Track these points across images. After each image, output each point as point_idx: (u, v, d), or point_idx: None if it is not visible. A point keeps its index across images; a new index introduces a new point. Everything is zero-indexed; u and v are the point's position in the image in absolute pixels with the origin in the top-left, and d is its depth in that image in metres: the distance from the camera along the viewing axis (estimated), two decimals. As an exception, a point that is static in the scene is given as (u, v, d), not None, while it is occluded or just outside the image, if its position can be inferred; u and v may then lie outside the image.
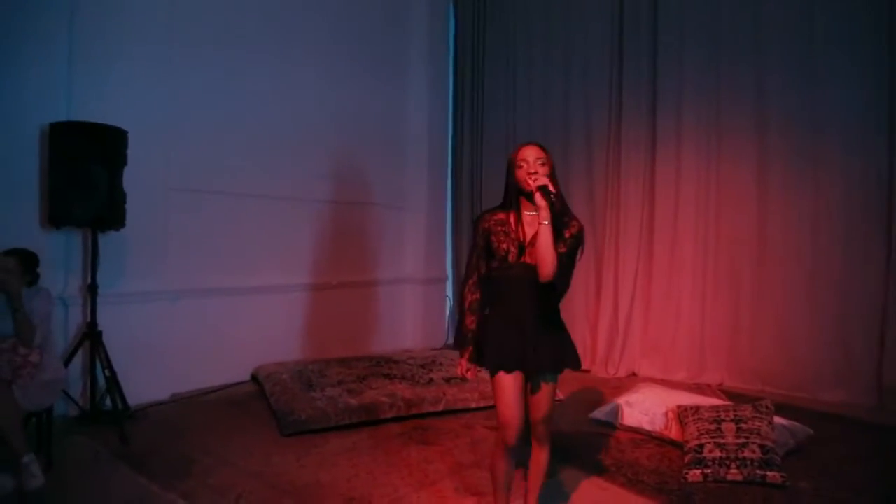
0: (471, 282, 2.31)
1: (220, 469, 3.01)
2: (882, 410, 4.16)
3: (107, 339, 3.65)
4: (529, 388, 2.31)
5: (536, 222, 2.16)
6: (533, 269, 2.17)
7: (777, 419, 3.28)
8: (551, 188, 2.11)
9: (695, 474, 2.93)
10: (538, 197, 2.10)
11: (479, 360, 2.29)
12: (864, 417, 4.01)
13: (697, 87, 4.99)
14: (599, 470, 3.09)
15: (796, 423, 3.38)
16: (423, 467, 3.13)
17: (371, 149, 5.54)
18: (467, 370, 2.33)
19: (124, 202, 3.73)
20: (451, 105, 6.18)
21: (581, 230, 2.24)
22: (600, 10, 5.42)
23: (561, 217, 2.21)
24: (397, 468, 3.11)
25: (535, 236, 2.18)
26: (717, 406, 3.34)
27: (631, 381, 4.95)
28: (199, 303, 4.37)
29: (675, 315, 5.11)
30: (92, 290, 3.67)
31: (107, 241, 3.82)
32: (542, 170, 2.18)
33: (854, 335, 4.38)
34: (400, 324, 5.73)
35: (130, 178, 3.73)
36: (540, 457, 2.40)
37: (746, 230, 4.84)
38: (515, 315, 2.24)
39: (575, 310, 5.49)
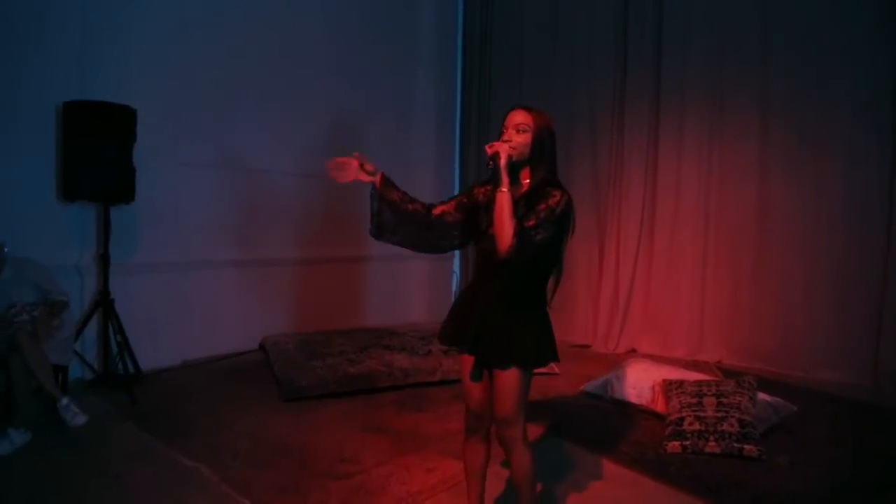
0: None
1: (220, 430, 3.20)
2: (878, 392, 4.17)
3: (120, 308, 3.85)
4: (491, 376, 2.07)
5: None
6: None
7: (761, 395, 3.33)
8: (502, 156, 1.91)
9: (674, 446, 3.01)
10: (492, 165, 1.93)
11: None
12: (860, 398, 4.02)
13: (701, 71, 4.97)
14: (583, 440, 3.19)
15: (780, 399, 3.43)
16: (413, 432, 3.27)
17: (378, 125, 5.62)
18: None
19: (134, 177, 3.90)
20: (460, 83, 6.25)
21: (562, 201, 1.93)
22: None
23: (542, 188, 1.98)
24: (388, 433, 3.26)
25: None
26: (701, 381, 3.40)
27: (631, 357, 4.96)
28: (209, 273, 4.55)
29: (675, 293, 5.14)
30: (104, 260, 3.86)
31: (118, 214, 3.99)
32: (519, 137, 1.99)
33: (852, 317, 4.38)
34: (406, 298, 5.88)
35: (140, 154, 3.89)
36: (512, 462, 2.07)
37: (747, 213, 4.84)
38: (475, 292, 2.07)
39: (577, 286, 5.57)
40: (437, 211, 2.13)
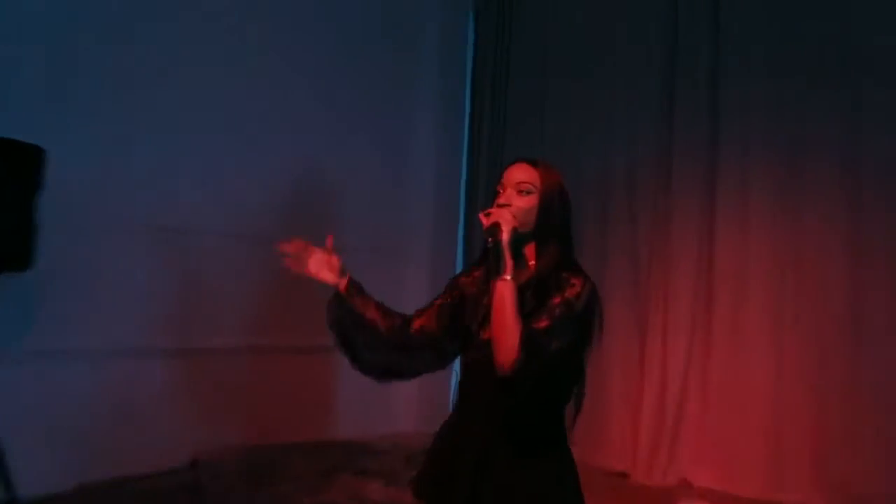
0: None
1: None
2: None
3: (-5, 411, 2.82)
4: None
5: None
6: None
7: None
8: (504, 229, 1.46)
9: None
10: (493, 242, 1.47)
11: None
12: None
13: (771, 122, 4.02)
14: None
15: None
16: None
17: (362, 181, 4.67)
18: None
19: (34, 237, 2.98)
20: (467, 132, 5.26)
21: (584, 293, 1.47)
22: (648, 32, 4.54)
23: (556, 274, 1.50)
24: None
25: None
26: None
27: (683, 493, 3.88)
28: (129, 365, 3.51)
29: (742, 408, 3.97)
30: (-27, 347, 2.87)
31: (8, 284, 3.03)
32: (521, 201, 1.54)
33: None
34: (391, 399, 4.71)
35: (47, 209, 2.98)
36: None
37: (834, 308, 3.76)
38: (464, 427, 1.60)
39: (611, 396, 4.44)
40: (416, 325, 1.68)
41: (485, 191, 5.22)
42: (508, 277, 1.43)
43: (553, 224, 1.56)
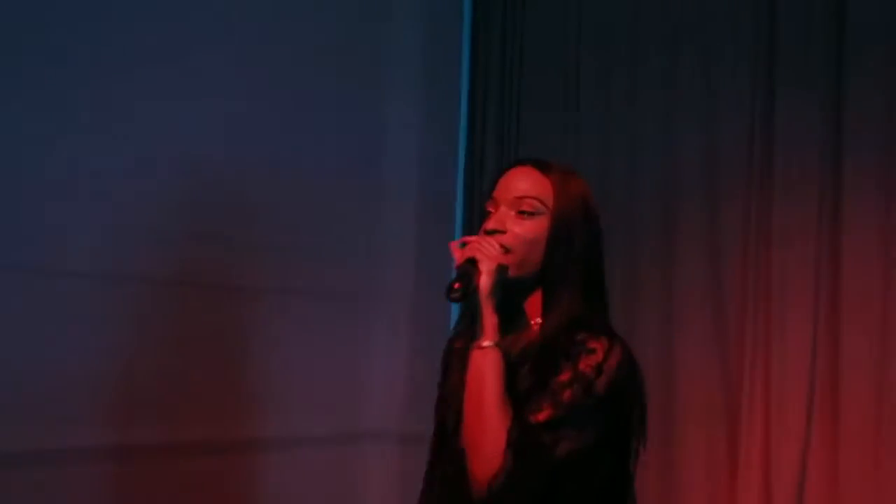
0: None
1: None
2: None
3: None
4: None
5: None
6: None
7: None
8: (483, 269, 1.02)
9: None
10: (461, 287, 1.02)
11: None
12: None
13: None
14: None
15: None
16: None
17: (315, 190, 3.10)
18: None
19: None
20: (464, 128, 3.62)
21: (612, 362, 1.01)
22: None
23: (568, 334, 1.04)
24: None
25: None
26: None
27: None
28: None
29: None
30: None
31: None
32: (521, 226, 1.08)
33: None
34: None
35: None
36: None
37: None
38: None
39: (688, 495, 2.96)
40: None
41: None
42: (488, 343, 1.02)
43: (570, 260, 1.09)
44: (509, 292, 1.09)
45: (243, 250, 2.88)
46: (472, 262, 1.03)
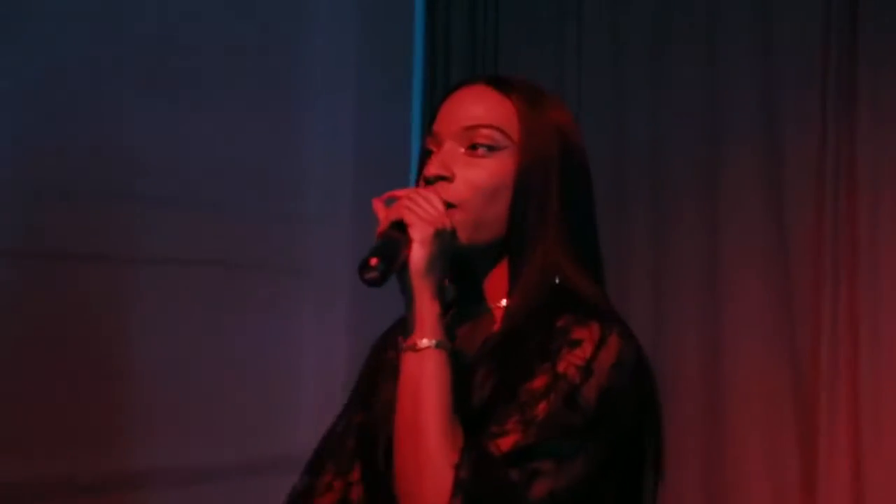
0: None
1: None
2: None
3: None
4: None
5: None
6: None
7: None
8: (415, 237, 0.75)
9: None
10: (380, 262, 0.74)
11: None
12: None
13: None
14: None
15: None
16: None
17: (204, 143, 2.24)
18: None
19: None
20: (421, 52, 2.79)
21: (609, 357, 0.74)
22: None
23: (544, 319, 0.78)
24: None
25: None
26: None
27: None
28: None
29: None
30: None
31: None
32: (472, 170, 0.83)
33: None
34: None
35: None
36: None
37: None
38: None
39: None
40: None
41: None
42: (426, 343, 0.76)
43: (548, 216, 0.84)
44: (461, 267, 0.88)
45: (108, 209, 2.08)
46: (400, 227, 0.78)
